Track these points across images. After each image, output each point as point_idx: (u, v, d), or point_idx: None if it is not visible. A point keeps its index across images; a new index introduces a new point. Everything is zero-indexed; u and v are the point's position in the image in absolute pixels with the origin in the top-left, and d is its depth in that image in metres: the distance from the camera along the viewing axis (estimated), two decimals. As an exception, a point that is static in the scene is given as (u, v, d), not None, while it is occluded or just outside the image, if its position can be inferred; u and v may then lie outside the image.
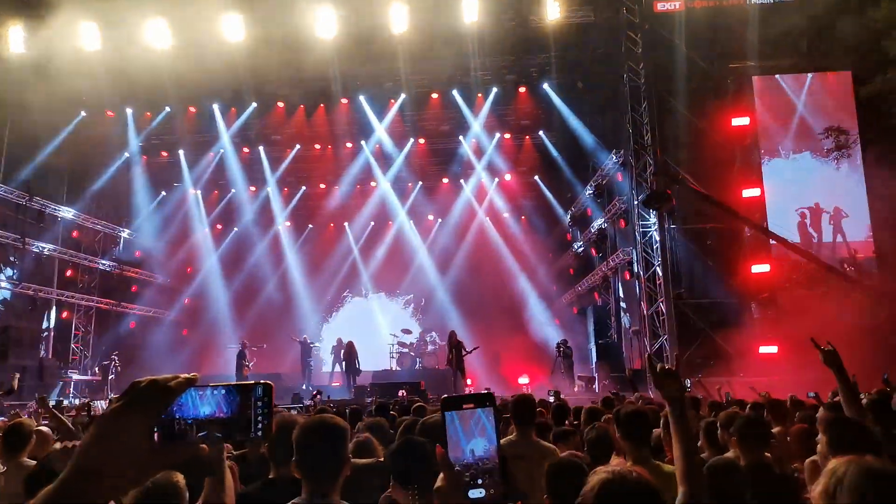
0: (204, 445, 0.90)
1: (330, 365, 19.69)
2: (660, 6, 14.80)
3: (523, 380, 17.88)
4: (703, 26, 14.46)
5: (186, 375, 0.91)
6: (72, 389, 18.07)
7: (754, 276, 14.46)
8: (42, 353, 18.64)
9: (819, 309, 13.37)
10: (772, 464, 3.25)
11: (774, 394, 7.19)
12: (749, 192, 14.51)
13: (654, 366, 2.25)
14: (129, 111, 19.76)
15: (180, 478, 2.52)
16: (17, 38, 15.15)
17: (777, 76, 14.91)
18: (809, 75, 14.81)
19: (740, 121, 14.60)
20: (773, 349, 13.26)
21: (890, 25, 13.39)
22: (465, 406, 1.10)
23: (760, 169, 14.63)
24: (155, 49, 15.27)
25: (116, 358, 18.94)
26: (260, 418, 0.95)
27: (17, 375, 10.60)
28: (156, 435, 0.88)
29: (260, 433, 0.95)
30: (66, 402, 13.64)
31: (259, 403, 0.95)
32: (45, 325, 19.26)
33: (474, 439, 1.09)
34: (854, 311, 11.93)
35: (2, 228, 17.20)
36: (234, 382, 0.98)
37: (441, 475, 1.11)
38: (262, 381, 0.98)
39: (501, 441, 1.12)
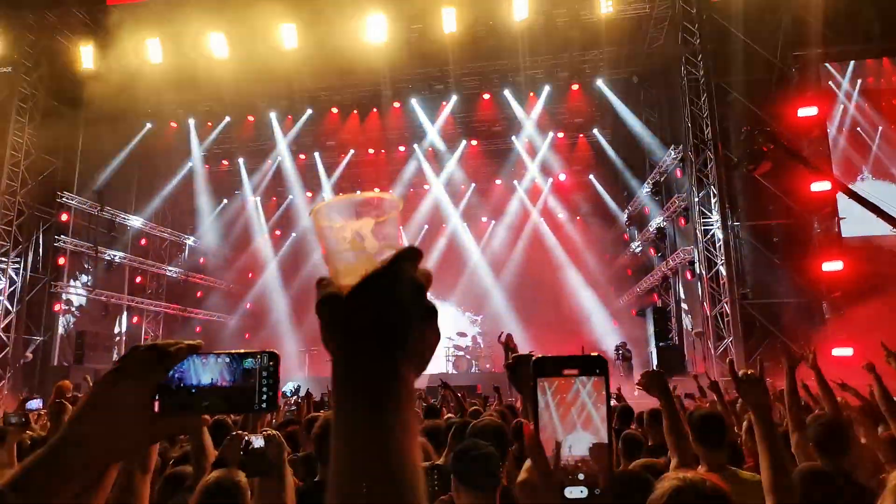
0: (206, 416, 0.86)
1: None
2: (718, -6, 14.31)
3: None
4: (764, 13, 13.85)
5: (189, 341, 0.86)
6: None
7: (825, 275, 13.71)
8: (115, 356, 19.50)
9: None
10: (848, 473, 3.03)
11: (851, 400, 6.77)
12: (818, 186, 13.78)
13: (736, 372, 2.13)
14: (191, 121, 20.54)
15: (242, 476, 2.54)
16: (87, 55, 15.94)
17: (846, 62, 14.15)
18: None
19: (807, 111, 13.88)
20: (849, 351, 12.52)
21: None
22: (565, 372, 0.81)
23: (830, 160, 13.89)
24: (214, 60, 15.80)
25: (183, 361, 19.65)
26: (265, 389, 0.89)
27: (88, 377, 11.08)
28: (155, 403, 0.83)
29: (265, 405, 0.89)
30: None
31: (264, 373, 0.89)
32: (116, 329, 20.15)
33: (575, 432, 0.80)
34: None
35: (76, 237, 18.12)
36: (240, 350, 0.92)
37: (526, 464, 0.84)
38: (268, 350, 0.92)
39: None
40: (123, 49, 15.15)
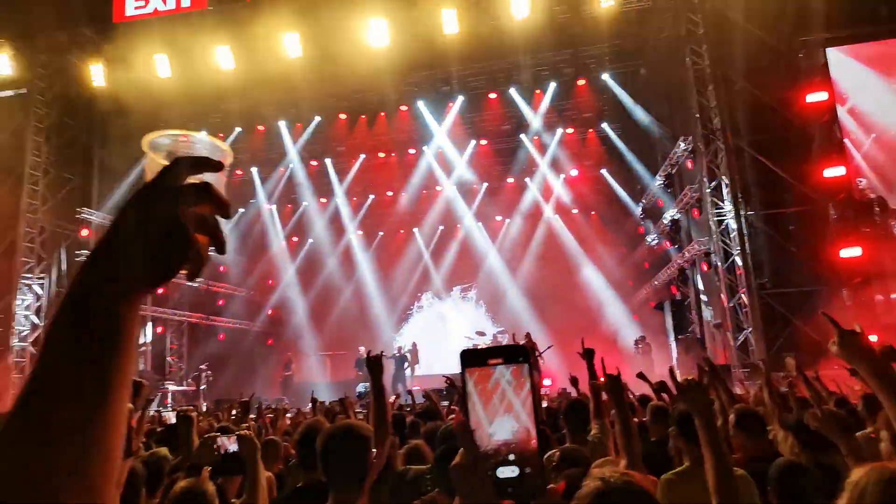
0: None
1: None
2: (721, -17, 14.10)
3: (598, 379, 17.43)
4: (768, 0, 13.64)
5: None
6: (169, 400, 19.20)
7: (844, 261, 13.45)
8: (142, 366, 19.88)
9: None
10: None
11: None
12: (831, 172, 13.53)
13: (676, 378, 2.15)
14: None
15: (210, 486, 2.59)
16: (97, 73, 16.32)
17: (853, 46, 13.83)
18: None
19: (816, 96, 13.62)
20: (873, 339, 12.26)
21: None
22: (490, 361, 0.86)
23: (842, 146, 13.62)
24: (221, 73, 16.05)
25: (207, 368, 20.00)
26: None
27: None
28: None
29: None
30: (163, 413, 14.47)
31: None
32: (142, 339, 20.55)
33: (498, 418, 0.84)
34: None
35: (97, 252, 18.51)
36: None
37: (461, 450, 0.87)
38: None
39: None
40: (132, 65, 15.49)
